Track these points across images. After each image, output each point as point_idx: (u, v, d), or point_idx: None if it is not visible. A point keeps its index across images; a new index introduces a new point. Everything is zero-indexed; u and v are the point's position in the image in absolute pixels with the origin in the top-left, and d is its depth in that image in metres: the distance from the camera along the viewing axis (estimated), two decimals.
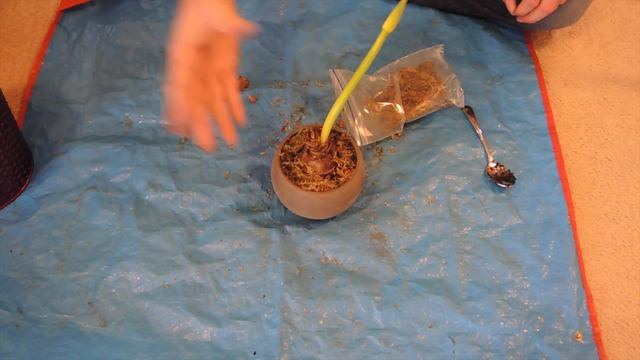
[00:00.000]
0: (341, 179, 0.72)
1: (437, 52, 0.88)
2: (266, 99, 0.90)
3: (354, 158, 0.74)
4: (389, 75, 0.86)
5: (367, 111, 0.84)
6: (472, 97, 0.90)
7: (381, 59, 0.93)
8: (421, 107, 0.85)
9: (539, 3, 0.78)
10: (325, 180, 0.72)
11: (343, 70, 0.87)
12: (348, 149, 0.74)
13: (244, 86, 0.90)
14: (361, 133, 0.83)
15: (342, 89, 0.84)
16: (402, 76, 0.87)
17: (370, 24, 0.98)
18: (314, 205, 0.72)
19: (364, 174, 0.75)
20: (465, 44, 0.96)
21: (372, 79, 0.86)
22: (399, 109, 0.83)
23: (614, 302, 0.75)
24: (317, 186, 0.71)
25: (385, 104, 0.84)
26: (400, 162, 0.84)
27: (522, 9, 0.80)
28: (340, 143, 0.74)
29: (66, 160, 0.83)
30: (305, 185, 0.71)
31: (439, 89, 0.86)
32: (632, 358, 0.71)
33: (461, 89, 0.85)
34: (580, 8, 0.88)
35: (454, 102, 0.86)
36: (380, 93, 0.86)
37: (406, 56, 0.88)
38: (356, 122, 0.83)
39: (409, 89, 0.86)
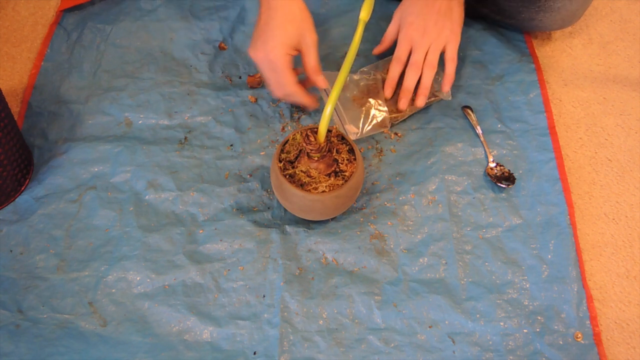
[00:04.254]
0: (346, 174, 0.72)
1: None
2: (266, 99, 0.90)
3: (350, 151, 0.74)
4: (371, 74, 0.87)
5: (352, 108, 0.84)
6: (472, 97, 0.90)
7: (377, 58, 0.92)
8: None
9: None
10: (332, 178, 0.72)
11: (327, 72, 0.87)
12: (343, 143, 0.74)
13: (257, 83, 0.90)
14: (347, 130, 0.84)
15: (326, 90, 0.85)
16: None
17: (370, 24, 0.98)
18: (326, 206, 0.71)
19: (364, 164, 0.75)
20: (465, 44, 0.96)
21: (356, 77, 0.87)
22: (383, 105, 0.84)
23: (614, 302, 0.75)
24: (326, 186, 0.71)
25: (370, 101, 0.84)
26: (400, 162, 0.84)
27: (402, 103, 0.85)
28: (333, 139, 0.74)
29: (66, 160, 0.83)
30: (314, 188, 0.71)
31: None
32: (632, 358, 0.71)
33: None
34: (580, 9, 0.88)
35: (441, 96, 0.87)
36: (364, 90, 0.86)
37: (390, 56, 0.89)
38: (342, 119, 0.84)
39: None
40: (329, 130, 0.74)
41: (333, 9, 1.00)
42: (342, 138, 0.74)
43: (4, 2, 1.03)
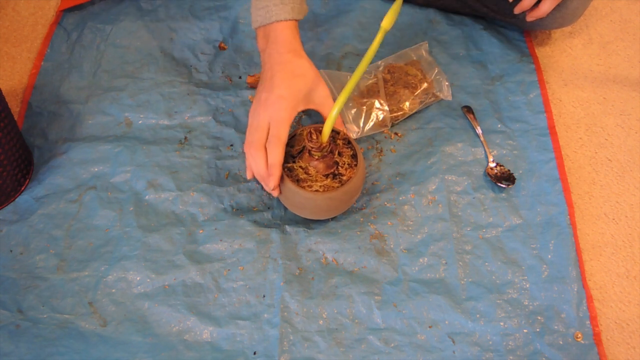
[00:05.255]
0: (344, 178, 0.72)
1: (422, 50, 0.89)
2: None
3: (354, 156, 0.73)
4: (373, 73, 0.87)
5: (353, 108, 0.84)
6: (472, 97, 0.90)
7: (377, 58, 0.92)
8: (408, 103, 0.85)
9: None
10: (328, 179, 0.72)
11: (328, 71, 0.87)
12: (348, 148, 0.74)
13: (258, 83, 0.90)
14: (348, 129, 0.84)
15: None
16: (389, 71, 0.87)
17: (370, 24, 0.98)
18: (318, 205, 0.71)
19: (365, 171, 0.75)
20: (465, 44, 0.96)
21: None
22: (384, 105, 0.84)
23: (614, 302, 0.75)
24: (320, 186, 0.71)
25: (370, 100, 0.84)
26: (400, 162, 0.84)
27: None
28: (339, 142, 0.74)
29: (66, 160, 0.83)
30: (308, 186, 0.71)
31: (424, 85, 0.86)
32: (632, 358, 0.71)
33: (447, 82, 0.86)
34: (580, 8, 0.88)
35: (441, 96, 0.87)
36: (365, 90, 0.86)
37: (391, 56, 0.89)
38: (343, 118, 0.84)
39: (394, 84, 0.86)
40: (337, 133, 0.74)
41: (333, 9, 1.00)
42: (349, 142, 0.74)
43: (4, 2, 1.03)
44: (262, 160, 0.70)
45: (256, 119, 0.71)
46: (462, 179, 0.82)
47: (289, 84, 0.70)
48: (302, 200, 0.71)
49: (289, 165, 0.72)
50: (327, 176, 0.72)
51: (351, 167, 0.73)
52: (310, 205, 0.71)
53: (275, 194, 0.73)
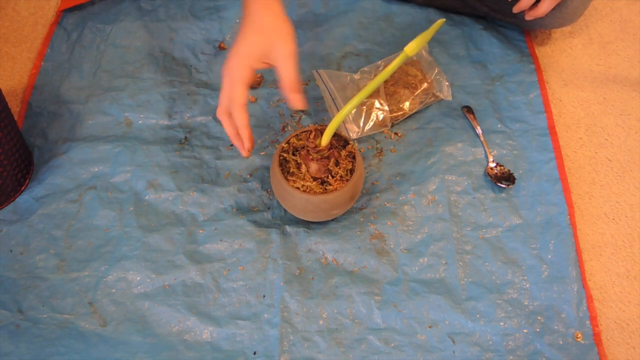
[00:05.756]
0: (329, 188, 0.71)
1: (422, 50, 0.90)
2: (266, 99, 0.90)
3: (351, 171, 0.73)
4: (372, 73, 0.87)
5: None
6: (472, 97, 0.90)
7: (377, 58, 0.92)
8: (408, 103, 0.85)
9: None
10: (314, 183, 0.71)
11: (327, 71, 0.87)
12: (350, 161, 0.73)
13: (257, 83, 0.90)
14: (348, 129, 0.84)
15: (328, 89, 0.86)
16: None
17: (370, 23, 0.98)
18: (295, 203, 0.72)
19: (358, 190, 0.74)
20: (465, 44, 0.96)
21: (356, 77, 0.88)
22: (384, 105, 0.84)
23: (614, 302, 0.75)
24: (302, 186, 0.71)
25: (370, 100, 0.84)
26: (400, 162, 0.84)
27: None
28: (343, 153, 0.73)
29: (66, 160, 0.83)
30: (293, 181, 0.71)
31: (424, 85, 0.86)
32: (632, 358, 0.71)
33: (447, 82, 0.86)
34: (581, 7, 0.88)
35: (441, 96, 0.87)
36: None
37: (391, 55, 0.89)
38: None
39: (394, 84, 0.86)
40: (347, 143, 0.74)
41: (333, 9, 1.00)
42: (354, 157, 0.73)
43: (4, 2, 1.03)
44: (229, 126, 0.70)
45: (223, 80, 0.69)
46: (462, 179, 0.82)
47: (247, 39, 0.67)
48: (282, 191, 0.72)
49: (286, 155, 0.73)
50: (315, 179, 0.72)
51: (343, 180, 0.72)
52: (288, 199, 0.72)
53: (244, 154, 0.72)
